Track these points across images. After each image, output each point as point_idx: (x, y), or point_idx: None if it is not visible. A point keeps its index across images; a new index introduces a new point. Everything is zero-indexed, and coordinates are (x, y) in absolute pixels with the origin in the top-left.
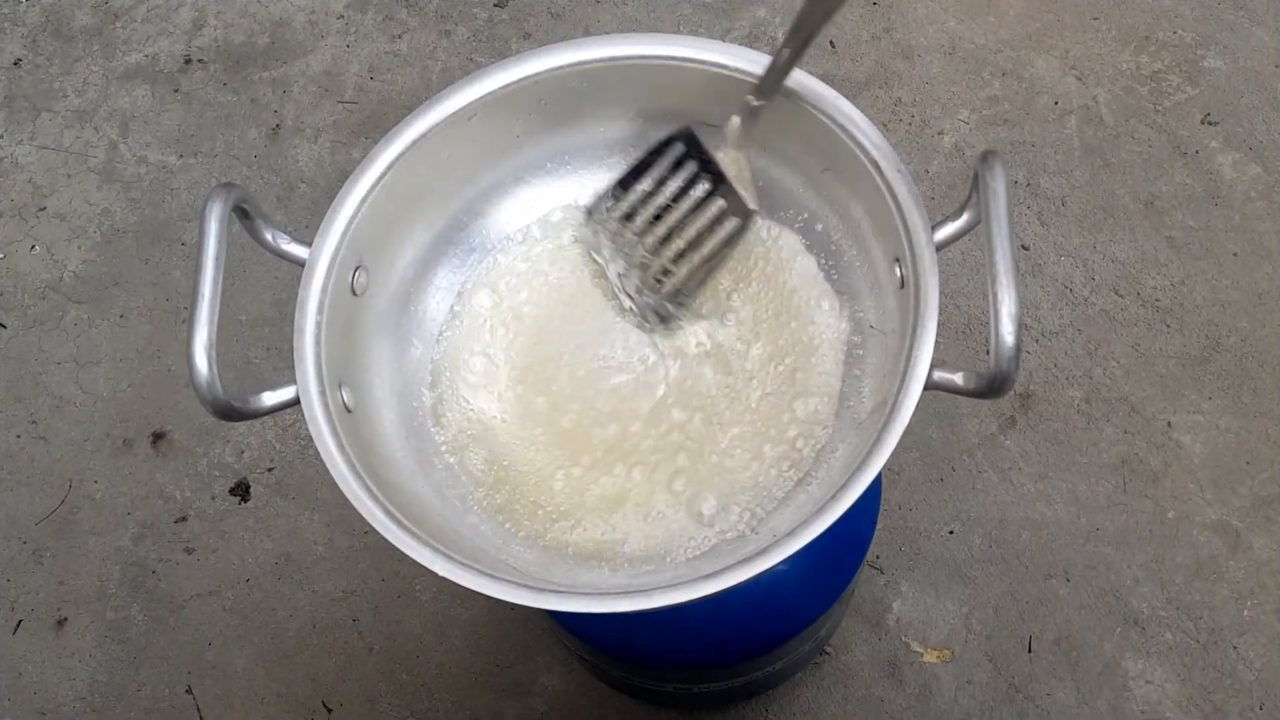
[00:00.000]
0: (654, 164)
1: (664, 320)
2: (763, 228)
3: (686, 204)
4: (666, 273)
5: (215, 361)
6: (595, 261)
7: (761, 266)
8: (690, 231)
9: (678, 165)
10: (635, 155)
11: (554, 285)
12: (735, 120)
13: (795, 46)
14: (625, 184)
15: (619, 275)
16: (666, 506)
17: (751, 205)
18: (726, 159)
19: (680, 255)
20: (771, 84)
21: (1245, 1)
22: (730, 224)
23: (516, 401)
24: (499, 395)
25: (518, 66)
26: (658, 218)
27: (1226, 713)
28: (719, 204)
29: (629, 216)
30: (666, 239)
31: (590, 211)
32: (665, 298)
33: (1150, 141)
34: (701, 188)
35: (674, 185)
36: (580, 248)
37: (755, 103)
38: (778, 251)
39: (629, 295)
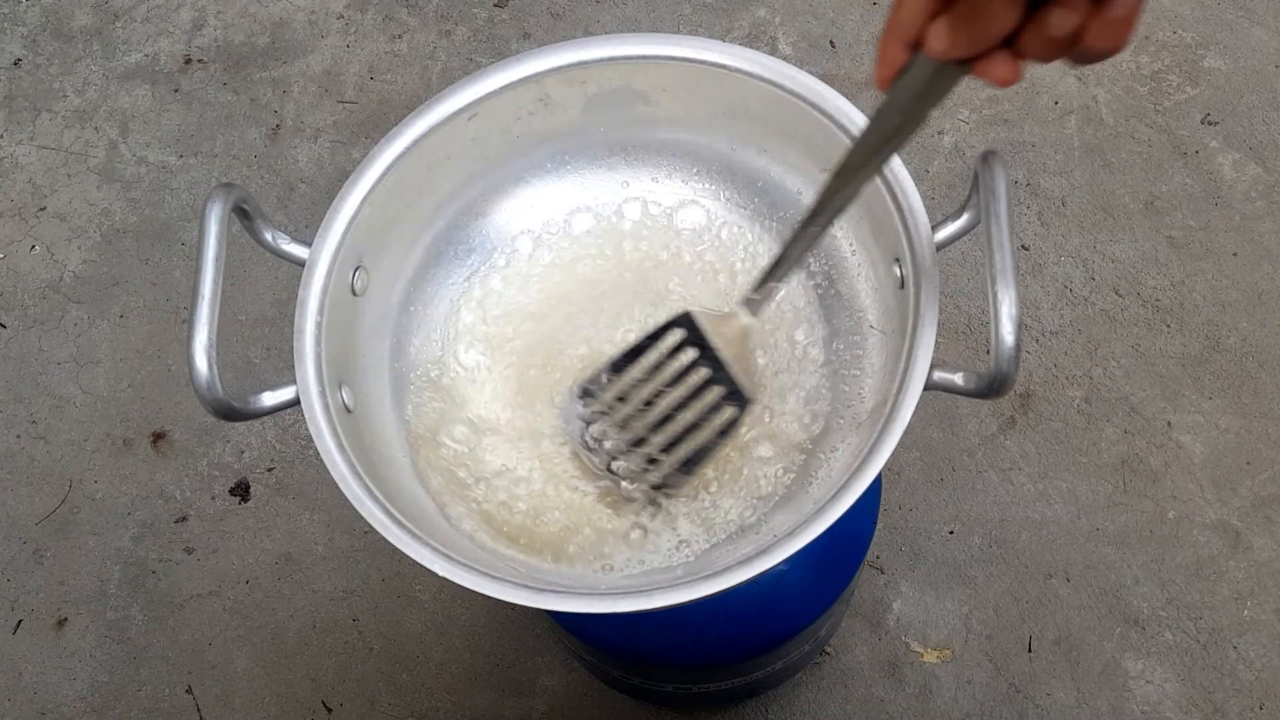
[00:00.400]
0: (650, 347)
1: (652, 505)
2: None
3: (682, 390)
4: (653, 461)
5: (215, 362)
6: (579, 456)
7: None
8: (684, 419)
9: (676, 350)
10: (641, 151)
11: (555, 287)
12: (739, 313)
13: (798, 240)
14: (619, 366)
15: (607, 463)
16: (668, 507)
17: (749, 396)
18: (727, 345)
19: (671, 444)
20: (776, 276)
21: (1245, 1)
22: (726, 413)
23: (516, 403)
24: (498, 397)
25: (518, 66)
26: (649, 403)
27: (1226, 713)
28: (716, 391)
29: (622, 399)
30: (659, 425)
31: (584, 390)
32: (652, 487)
33: (1150, 141)
34: (700, 374)
35: (670, 370)
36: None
37: (757, 297)
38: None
39: (615, 478)
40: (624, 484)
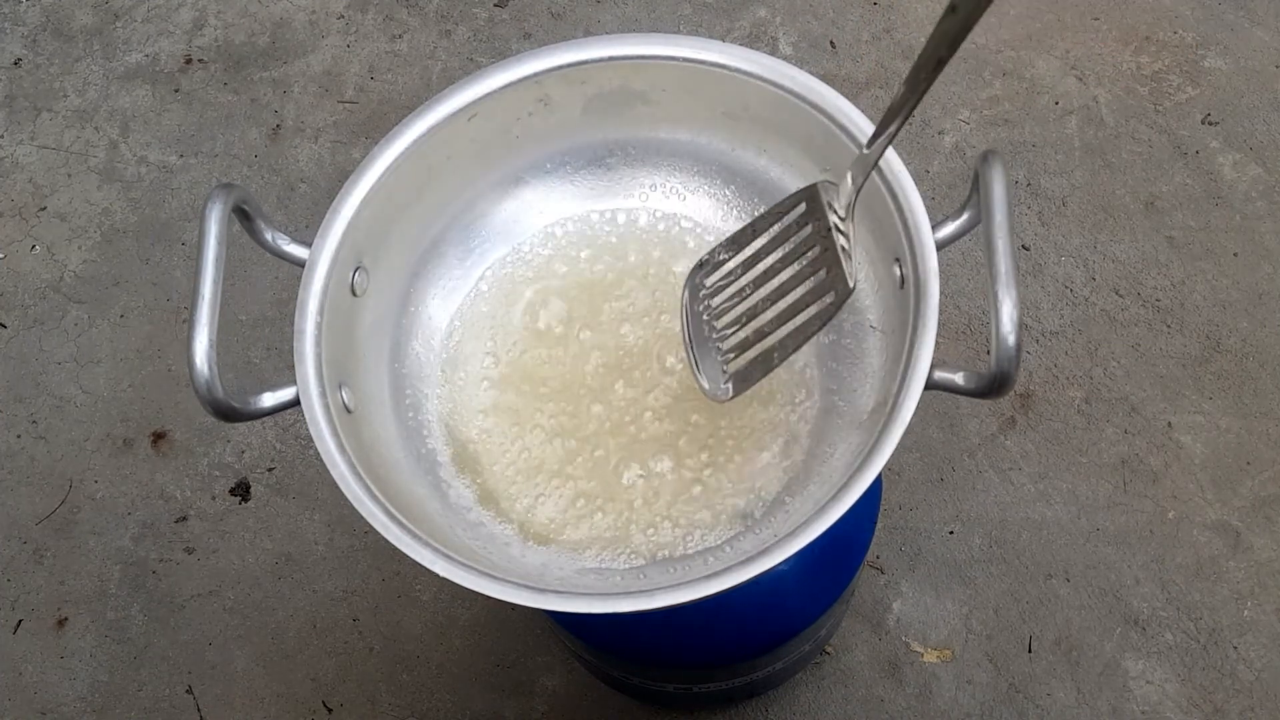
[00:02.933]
0: (773, 221)
1: (731, 385)
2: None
3: (789, 272)
4: (745, 343)
5: (215, 362)
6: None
7: None
8: (785, 303)
9: (799, 226)
10: (641, 151)
11: (555, 288)
12: (848, 178)
13: (918, 85)
14: (739, 241)
15: (705, 336)
16: (667, 508)
17: (850, 284)
18: (843, 225)
19: (766, 328)
20: (888, 128)
21: (1246, 1)
22: (826, 300)
23: (515, 405)
24: (498, 398)
25: (518, 66)
26: (758, 283)
27: (1227, 713)
28: (820, 275)
29: (733, 276)
30: (758, 307)
31: (701, 264)
32: (737, 371)
33: (1151, 142)
34: (812, 253)
35: (787, 248)
36: (580, 258)
37: (867, 151)
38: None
39: (707, 354)
40: (715, 359)
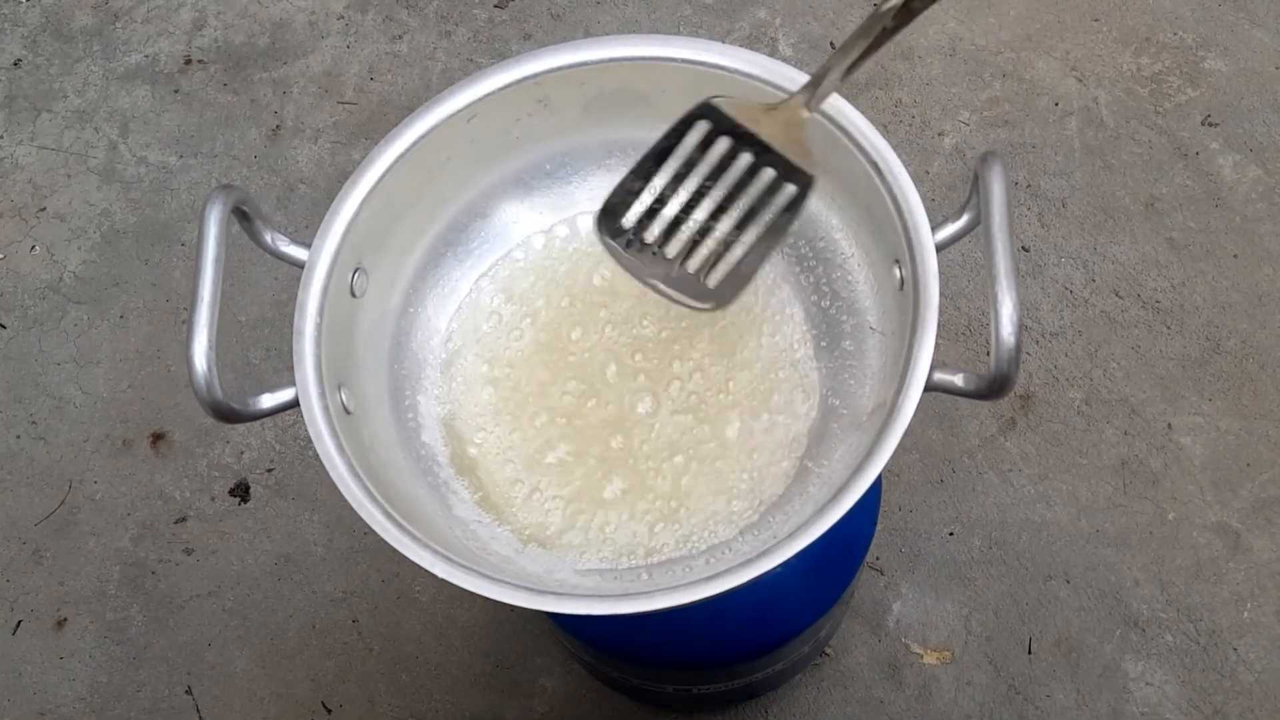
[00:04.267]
0: (677, 146)
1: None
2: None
3: (729, 179)
4: (712, 260)
5: (214, 363)
6: (623, 271)
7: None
8: (739, 207)
9: (706, 145)
10: (640, 153)
11: (555, 289)
12: (786, 103)
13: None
14: (644, 172)
15: (656, 277)
16: (667, 509)
17: (810, 171)
18: (771, 133)
19: (729, 236)
20: (845, 64)
21: (1246, 3)
22: (787, 190)
23: (515, 406)
24: (497, 399)
25: (518, 67)
26: (691, 204)
27: (1226, 715)
28: (768, 174)
29: (655, 209)
30: (709, 222)
31: (604, 212)
32: (714, 288)
33: (1151, 143)
34: (744, 159)
35: (707, 165)
36: (580, 259)
37: (805, 94)
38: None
39: (671, 291)
40: (680, 292)
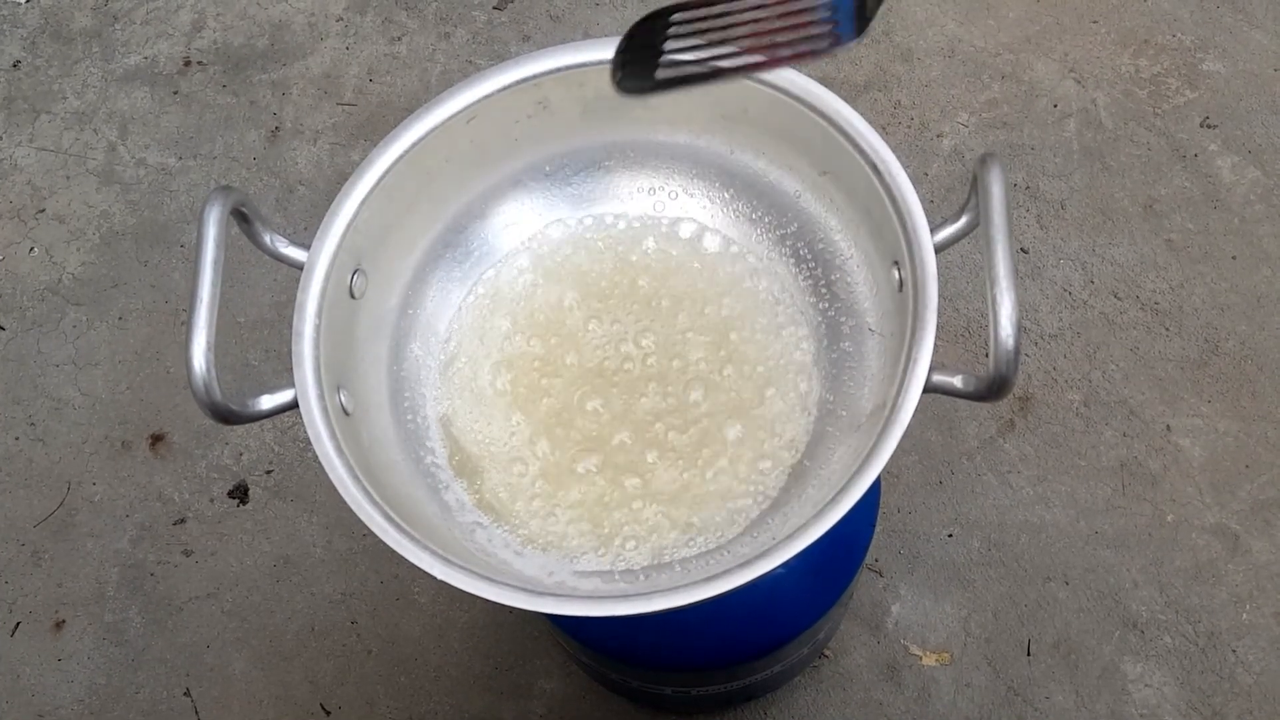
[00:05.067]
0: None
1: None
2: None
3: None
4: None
5: (213, 365)
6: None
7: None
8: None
9: None
10: (640, 152)
11: (554, 290)
12: None
13: None
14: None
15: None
16: (665, 510)
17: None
18: None
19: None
20: None
21: (1244, 5)
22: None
23: (513, 407)
24: (496, 400)
25: (517, 69)
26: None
27: (1225, 716)
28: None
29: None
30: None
31: (622, 61)
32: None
33: (1149, 145)
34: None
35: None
36: (580, 259)
37: None
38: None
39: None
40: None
